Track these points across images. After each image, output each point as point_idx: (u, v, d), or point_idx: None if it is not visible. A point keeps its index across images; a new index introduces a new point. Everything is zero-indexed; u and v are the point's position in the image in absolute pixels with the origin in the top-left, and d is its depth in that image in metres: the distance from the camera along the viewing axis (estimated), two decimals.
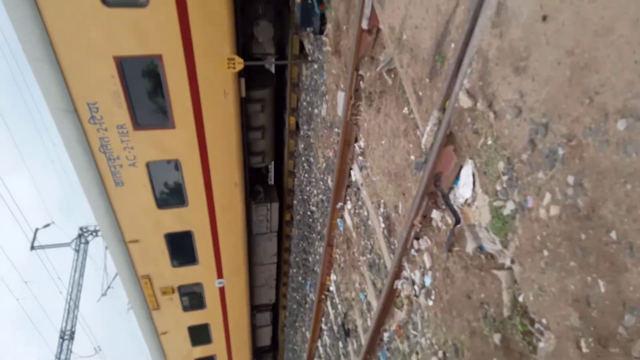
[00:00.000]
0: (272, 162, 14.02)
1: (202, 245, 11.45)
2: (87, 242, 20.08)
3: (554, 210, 3.17)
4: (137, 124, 8.75)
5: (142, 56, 7.93)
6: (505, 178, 3.72)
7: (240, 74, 8.86)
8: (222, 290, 12.79)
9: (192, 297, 12.77)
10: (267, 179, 15.21)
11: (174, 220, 10.58)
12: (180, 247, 11.31)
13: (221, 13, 7.91)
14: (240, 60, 9.03)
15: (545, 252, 3.32)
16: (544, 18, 2.98)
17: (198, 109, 8.79)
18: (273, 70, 10.74)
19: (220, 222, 11.12)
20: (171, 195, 10.13)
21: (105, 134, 8.55)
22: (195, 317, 13.27)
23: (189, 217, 10.73)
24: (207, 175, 9.95)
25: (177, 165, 9.67)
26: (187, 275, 12.05)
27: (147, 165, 9.42)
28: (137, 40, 7.75)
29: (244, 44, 9.15)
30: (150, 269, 11.36)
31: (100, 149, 8.71)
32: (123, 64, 7.91)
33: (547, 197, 3.23)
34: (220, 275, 12.36)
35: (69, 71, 7.71)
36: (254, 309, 15.51)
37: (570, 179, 2.99)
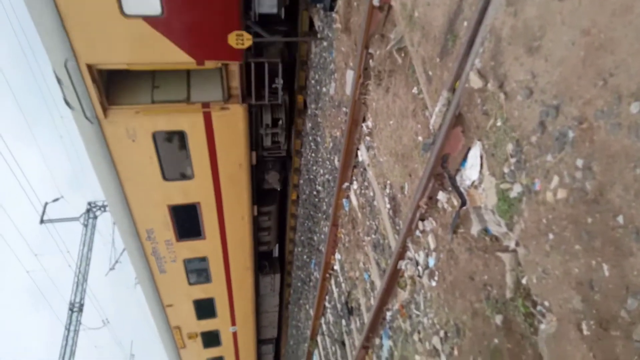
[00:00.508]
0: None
1: (221, 306, 15.15)
2: (95, 217, 20.36)
3: (561, 194, 3.15)
4: (179, 238, 12.31)
5: (186, 204, 11.40)
6: (513, 160, 3.69)
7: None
8: (234, 334, 16.87)
9: (210, 338, 16.34)
10: (272, 254, 18.22)
11: (199, 290, 14.31)
12: (205, 308, 14.90)
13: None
14: (249, 36, 8.93)
15: (551, 236, 3.32)
16: None
17: (222, 226, 12.42)
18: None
19: (235, 291, 14.79)
20: (199, 272, 13.72)
21: (156, 245, 12.23)
22: (213, 352, 17.15)
23: (211, 288, 14.34)
24: (226, 260, 13.50)
25: (205, 259, 13.33)
26: (208, 324, 15.69)
27: (184, 260, 13.02)
28: (184, 195, 11.28)
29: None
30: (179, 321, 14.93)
31: (152, 253, 12.39)
32: (174, 209, 11.46)
33: (555, 180, 3.21)
34: (233, 323, 16.28)
35: (136, 211, 11.10)
36: (260, 342, 19.16)
37: (580, 162, 2.96)
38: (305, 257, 14.21)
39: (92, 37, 8.04)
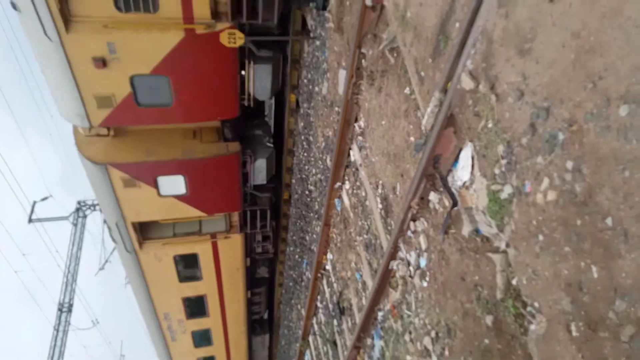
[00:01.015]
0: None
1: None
2: (85, 216, 20.14)
3: (551, 196, 3.16)
4: (188, 316, 15.82)
5: (196, 296, 15.15)
6: (504, 162, 3.70)
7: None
8: None
9: None
10: (262, 317, 20.98)
11: (203, 351, 17.54)
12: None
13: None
14: (241, 35, 8.90)
15: (541, 237, 3.33)
16: None
17: (223, 307, 15.97)
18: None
19: (232, 351, 18.18)
20: (201, 337, 16.81)
21: (171, 323, 15.81)
22: None
23: (212, 349, 17.53)
24: (224, 323, 16.66)
25: (209, 331, 16.79)
26: None
27: (192, 332, 16.38)
28: (194, 288, 14.91)
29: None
30: None
31: (167, 329, 16.01)
32: (187, 300, 15.16)
33: (545, 182, 3.22)
34: None
35: (157, 302, 14.79)
36: None
37: (569, 165, 2.97)
38: (297, 256, 14.18)
39: (137, 206, 11.90)
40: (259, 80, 10.32)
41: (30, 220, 19.25)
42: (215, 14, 8.73)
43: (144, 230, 12.92)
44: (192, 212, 12.33)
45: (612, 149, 2.64)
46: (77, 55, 8.52)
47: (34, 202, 19.48)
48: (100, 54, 8.59)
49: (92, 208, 20.48)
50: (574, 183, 2.94)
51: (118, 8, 8.33)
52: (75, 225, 20.23)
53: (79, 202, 20.51)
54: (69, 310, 19.96)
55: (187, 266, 14.08)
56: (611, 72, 2.59)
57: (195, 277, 14.46)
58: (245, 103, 10.78)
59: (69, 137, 10.69)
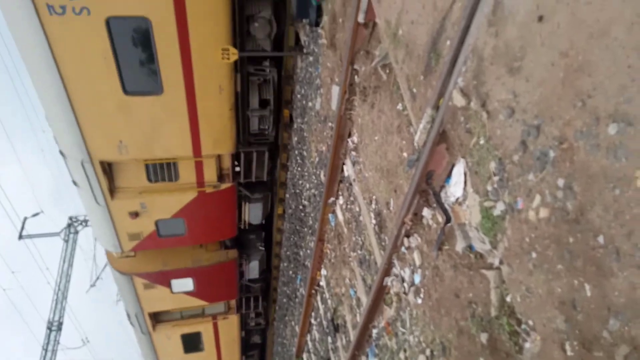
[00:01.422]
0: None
1: None
2: (76, 232, 19.90)
3: (544, 213, 3.16)
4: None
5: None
6: (496, 178, 3.70)
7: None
8: None
9: None
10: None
11: None
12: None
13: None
14: (235, 50, 8.94)
15: (534, 254, 3.32)
16: (540, 18, 2.95)
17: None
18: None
19: None
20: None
21: None
22: None
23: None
24: None
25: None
26: None
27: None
28: (197, 358, 17.54)
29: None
30: None
31: None
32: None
33: (537, 199, 3.22)
34: None
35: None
36: None
37: (561, 182, 2.98)
38: (290, 272, 14.07)
39: (154, 301, 14.67)
40: (253, 213, 13.48)
41: (20, 237, 19.00)
42: (220, 177, 11.66)
43: (157, 315, 15.57)
44: (198, 302, 15.11)
45: (602, 167, 2.65)
46: (118, 212, 11.37)
47: (25, 218, 19.26)
48: (134, 210, 11.47)
49: (83, 224, 20.28)
50: (566, 200, 2.94)
51: (149, 180, 11.11)
52: (66, 241, 19.99)
53: (70, 218, 20.30)
54: (59, 329, 19.58)
55: (192, 341, 16.64)
56: (599, 91, 2.62)
57: (198, 349, 17.06)
58: (242, 226, 13.73)
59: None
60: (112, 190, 10.89)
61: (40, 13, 7.74)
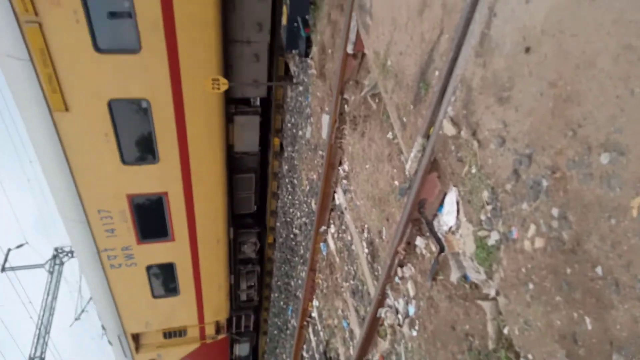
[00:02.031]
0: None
1: None
2: (62, 264, 19.39)
3: (539, 243, 3.12)
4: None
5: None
6: (489, 208, 3.67)
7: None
8: None
9: None
10: None
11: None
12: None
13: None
14: (225, 81, 8.99)
15: (531, 285, 3.25)
16: (527, 50, 2.98)
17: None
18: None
19: None
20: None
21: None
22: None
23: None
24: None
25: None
26: None
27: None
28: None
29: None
30: None
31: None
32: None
33: (532, 228, 3.18)
34: None
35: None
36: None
37: (555, 212, 2.95)
38: (282, 303, 13.76)
39: None
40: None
41: (3, 269, 18.43)
42: (217, 330, 14.87)
43: None
44: None
45: (597, 196, 2.63)
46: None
47: (9, 250, 18.74)
48: (152, 359, 14.56)
49: (69, 255, 19.78)
50: (561, 230, 2.90)
51: (164, 337, 14.43)
52: (51, 273, 19.42)
53: (56, 249, 19.80)
54: None
55: None
56: (590, 121, 2.62)
57: None
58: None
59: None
60: (137, 347, 14.13)
61: None
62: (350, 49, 6.40)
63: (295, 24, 8.44)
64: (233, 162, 11.52)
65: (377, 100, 6.13)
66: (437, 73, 4.21)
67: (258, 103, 12.49)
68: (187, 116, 9.62)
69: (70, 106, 8.69)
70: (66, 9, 7.77)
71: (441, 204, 4.69)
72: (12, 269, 18.60)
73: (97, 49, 8.29)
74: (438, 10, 4.04)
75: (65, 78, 8.39)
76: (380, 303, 6.18)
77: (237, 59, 9.90)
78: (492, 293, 3.93)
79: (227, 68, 9.70)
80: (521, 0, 2.97)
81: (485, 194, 3.69)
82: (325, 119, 7.83)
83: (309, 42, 8.49)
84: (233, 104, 10.73)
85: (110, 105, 8.97)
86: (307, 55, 8.70)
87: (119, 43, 8.47)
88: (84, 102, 8.76)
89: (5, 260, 18.22)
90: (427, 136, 4.59)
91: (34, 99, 8.43)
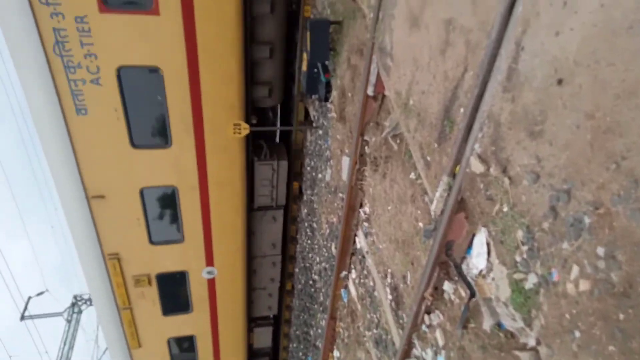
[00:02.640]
0: None
1: None
2: (80, 312, 19.18)
3: (584, 285, 2.87)
4: None
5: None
6: (525, 248, 3.44)
7: None
8: None
9: None
10: None
11: None
12: None
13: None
14: (246, 125, 9.12)
15: (577, 333, 2.97)
16: (560, 82, 2.89)
17: None
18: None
19: None
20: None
21: None
22: None
23: None
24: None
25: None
26: None
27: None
28: None
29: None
30: None
31: None
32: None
33: (575, 270, 2.94)
34: None
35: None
36: None
37: (600, 251, 2.73)
38: (300, 354, 13.19)
39: None
40: None
41: (22, 318, 18.32)
42: None
43: None
44: None
45: None
46: None
47: (29, 298, 18.69)
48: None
49: (87, 303, 19.62)
50: (609, 271, 2.67)
51: None
52: (69, 321, 19.20)
53: (75, 297, 19.69)
54: None
55: None
56: (634, 153, 2.46)
57: None
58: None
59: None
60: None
61: None
62: (370, 91, 6.44)
63: (316, 70, 8.62)
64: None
65: (398, 141, 6.07)
66: (462, 110, 4.13)
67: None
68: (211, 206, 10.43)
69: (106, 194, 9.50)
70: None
71: (470, 246, 4.47)
72: (31, 317, 18.48)
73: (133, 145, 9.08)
74: (461, 48, 4.03)
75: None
76: (406, 353, 5.81)
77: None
78: (532, 342, 3.61)
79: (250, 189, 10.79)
80: (550, 32, 2.91)
81: (520, 234, 3.49)
82: (346, 161, 7.78)
83: (328, 87, 8.62)
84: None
85: (142, 192, 9.81)
86: (327, 99, 8.81)
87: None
88: (119, 190, 9.57)
89: (25, 309, 18.15)
90: (453, 175, 4.45)
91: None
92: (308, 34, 7.95)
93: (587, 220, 2.82)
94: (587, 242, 2.83)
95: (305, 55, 8.71)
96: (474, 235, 4.34)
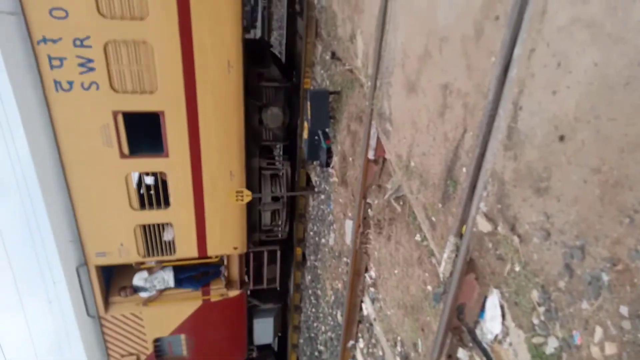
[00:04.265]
0: None
1: None
2: None
3: (611, 349, 2.70)
4: None
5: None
6: (542, 309, 3.29)
7: None
8: None
9: None
10: None
11: None
12: None
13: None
14: (249, 192, 9.17)
15: None
16: (561, 138, 2.92)
17: None
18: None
19: None
20: None
21: None
22: None
23: None
24: None
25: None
26: None
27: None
28: None
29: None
30: None
31: None
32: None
33: (599, 331, 2.79)
34: None
35: None
36: None
37: (624, 310, 2.59)
38: None
39: None
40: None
41: None
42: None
43: None
44: None
45: None
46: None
47: None
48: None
49: None
50: (636, 332, 2.52)
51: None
52: None
53: None
54: None
55: None
56: None
57: None
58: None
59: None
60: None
61: None
62: (371, 155, 6.53)
63: (317, 137, 8.82)
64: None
65: (401, 203, 6.05)
66: (464, 169, 4.15)
67: None
68: None
69: None
70: None
71: (482, 309, 4.28)
72: None
73: None
74: (459, 110, 4.13)
75: None
76: None
77: None
78: None
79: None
80: (547, 92, 3.00)
81: (535, 294, 3.35)
82: (349, 225, 7.71)
83: (329, 153, 8.77)
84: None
85: None
86: (328, 165, 8.93)
87: None
88: None
89: None
90: (459, 235, 4.38)
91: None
92: (308, 103, 8.23)
93: (605, 277, 2.71)
94: (609, 301, 2.70)
95: (306, 124, 8.96)
96: (486, 297, 4.18)
